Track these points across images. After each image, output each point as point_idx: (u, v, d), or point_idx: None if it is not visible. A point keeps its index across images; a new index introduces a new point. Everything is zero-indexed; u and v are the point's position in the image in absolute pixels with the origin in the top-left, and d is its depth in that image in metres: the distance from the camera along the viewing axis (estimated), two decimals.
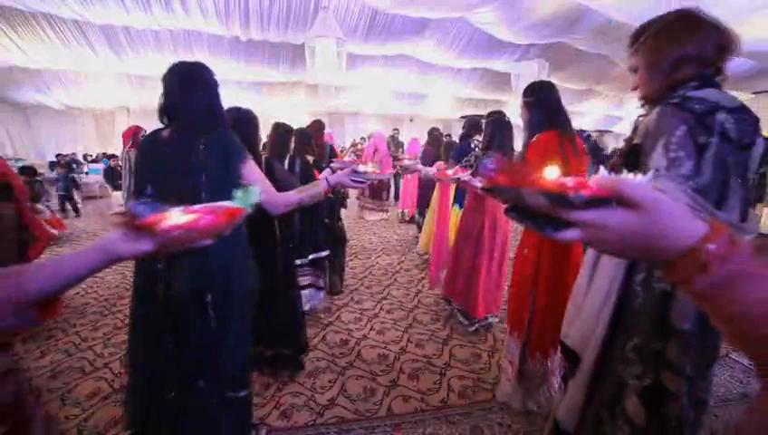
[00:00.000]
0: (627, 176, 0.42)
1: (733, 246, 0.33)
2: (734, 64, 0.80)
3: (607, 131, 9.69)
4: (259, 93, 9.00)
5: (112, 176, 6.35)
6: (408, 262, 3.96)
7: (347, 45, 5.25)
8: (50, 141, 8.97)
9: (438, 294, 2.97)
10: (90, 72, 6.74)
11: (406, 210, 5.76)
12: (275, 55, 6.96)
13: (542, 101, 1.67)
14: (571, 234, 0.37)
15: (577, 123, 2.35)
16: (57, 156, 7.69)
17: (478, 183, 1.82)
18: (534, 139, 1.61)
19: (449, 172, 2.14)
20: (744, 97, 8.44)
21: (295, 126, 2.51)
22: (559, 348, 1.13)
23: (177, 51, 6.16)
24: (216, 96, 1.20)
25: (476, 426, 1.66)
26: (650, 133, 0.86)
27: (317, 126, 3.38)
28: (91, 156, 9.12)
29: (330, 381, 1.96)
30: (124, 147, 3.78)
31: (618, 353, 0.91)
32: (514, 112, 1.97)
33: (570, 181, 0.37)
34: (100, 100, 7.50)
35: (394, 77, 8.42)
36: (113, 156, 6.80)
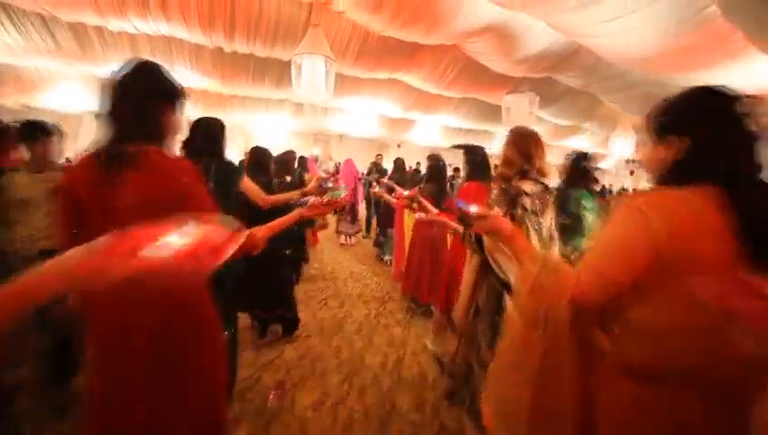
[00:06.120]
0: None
1: (516, 231, 1.14)
2: None
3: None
4: (243, 108, 8.63)
5: None
6: (388, 314, 3.33)
7: (335, 65, 5.01)
8: None
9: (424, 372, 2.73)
10: (53, 71, 6.21)
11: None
12: (261, 70, 6.65)
13: (475, 159, 2.54)
14: (474, 229, 1.33)
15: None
16: None
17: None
18: (466, 185, 2.55)
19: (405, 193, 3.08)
20: None
21: (280, 146, 2.76)
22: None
23: (156, 58, 5.76)
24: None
25: None
26: (494, 202, 1.66)
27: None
28: None
29: None
30: None
31: None
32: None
33: (474, 209, 1.15)
34: (65, 102, 6.91)
35: (383, 102, 8.25)
36: None
